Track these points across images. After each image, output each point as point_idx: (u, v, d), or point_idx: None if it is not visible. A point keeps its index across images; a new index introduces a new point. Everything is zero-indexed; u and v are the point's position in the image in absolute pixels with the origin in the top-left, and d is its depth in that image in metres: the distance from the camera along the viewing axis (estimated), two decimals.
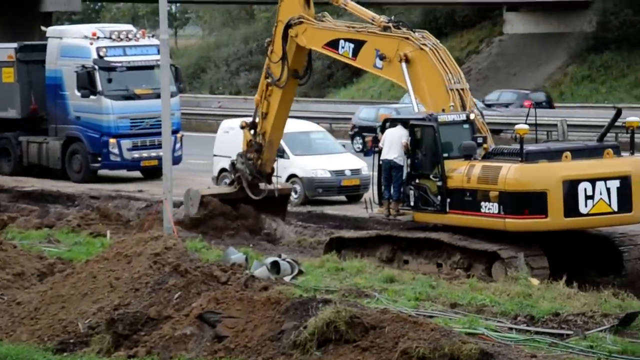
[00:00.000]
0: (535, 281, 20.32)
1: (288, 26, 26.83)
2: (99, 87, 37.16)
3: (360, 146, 42.04)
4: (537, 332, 15.73)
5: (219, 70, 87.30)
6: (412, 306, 17.38)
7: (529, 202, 21.86)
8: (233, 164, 28.09)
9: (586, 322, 16.10)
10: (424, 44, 24.48)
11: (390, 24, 25.18)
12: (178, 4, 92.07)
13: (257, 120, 27.80)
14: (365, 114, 46.78)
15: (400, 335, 13.53)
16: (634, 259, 22.57)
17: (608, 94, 61.37)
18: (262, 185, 27.71)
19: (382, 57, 25.06)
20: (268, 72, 27.61)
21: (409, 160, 24.12)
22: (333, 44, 26.14)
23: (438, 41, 25.12)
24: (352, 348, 13.53)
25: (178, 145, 37.28)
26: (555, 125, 43.69)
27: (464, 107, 23.97)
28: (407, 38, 24.72)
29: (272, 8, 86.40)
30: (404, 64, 24.50)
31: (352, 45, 25.71)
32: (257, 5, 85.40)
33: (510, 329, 16.02)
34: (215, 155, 34.17)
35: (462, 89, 24.26)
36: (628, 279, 21.96)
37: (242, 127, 28.26)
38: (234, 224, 27.29)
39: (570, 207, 21.79)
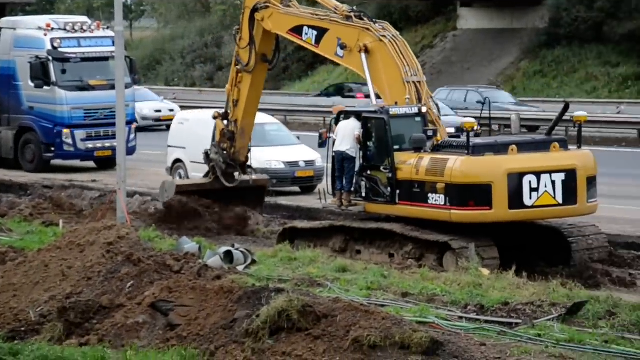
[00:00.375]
0: (485, 271, 20.42)
1: (255, 10, 26.85)
2: (53, 78, 36.97)
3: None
4: (486, 321, 15.82)
5: (174, 62, 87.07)
6: (364, 295, 17.42)
7: (474, 194, 21.95)
8: (207, 155, 28.05)
9: (535, 311, 16.20)
10: (384, 36, 24.56)
11: (352, 14, 25.25)
12: None
13: (229, 110, 27.84)
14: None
15: (352, 323, 13.55)
16: (582, 249, 22.74)
17: (559, 88, 61.70)
18: (237, 175, 27.75)
19: (342, 46, 25.13)
20: (237, 59, 27.69)
21: (361, 152, 24.23)
22: (297, 30, 26.18)
23: (398, 33, 25.19)
24: (304, 336, 13.55)
25: (132, 136, 37.21)
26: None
27: (419, 100, 24.03)
28: (368, 29, 24.78)
29: (227, 1, 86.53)
30: (363, 55, 24.58)
31: (315, 33, 25.77)
32: None
33: (461, 317, 16.11)
34: (169, 146, 34.07)
35: (419, 82, 24.32)
36: (576, 269, 22.11)
37: (215, 118, 28.30)
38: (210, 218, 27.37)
39: (515, 200, 21.90)
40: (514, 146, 22.53)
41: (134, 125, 37.76)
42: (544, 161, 22.35)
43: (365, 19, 25.24)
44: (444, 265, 22.08)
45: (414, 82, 24.22)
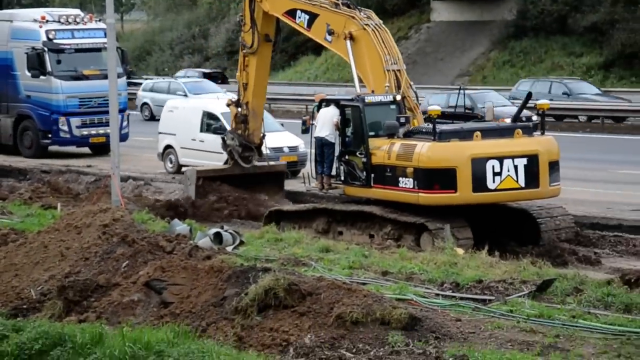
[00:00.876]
0: (460, 251, 20.48)
1: None
2: (49, 68, 36.92)
3: None
4: (461, 298, 15.83)
5: (163, 53, 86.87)
6: (346, 274, 17.43)
7: (439, 177, 22.00)
8: (224, 141, 28.00)
9: (506, 288, 16.21)
10: (367, 24, 24.57)
11: (340, 2, 25.29)
12: None
13: (240, 95, 27.85)
14: (434, 100, 42.32)
15: (335, 301, 13.57)
16: (550, 230, 22.83)
17: (527, 77, 61.74)
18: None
19: (330, 32, 25.23)
20: (242, 43, 27.86)
21: (339, 138, 24.28)
22: (291, 13, 26.27)
23: (381, 22, 25.21)
24: (290, 313, 13.56)
25: (125, 123, 37.13)
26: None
27: (399, 88, 24.07)
28: (353, 17, 24.81)
29: None
30: (348, 42, 24.66)
31: (307, 17, 25.84)
32: None
33: (437, 294, 16.12)
34: (160, 133, 34.05)
35: (399, 70, 24.36)
36: (545, 248, 22.20)
37: (228, 105, 28.42)
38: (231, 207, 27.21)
39: (479, 183, 21.93)
40: (478, 132, 22.59)
41: (126, 113, 37.67)
42: (507, 147, 22.37)
43: (351, 7, 25.30)
44: (421, 245, 22.13)
45: (394, 70, 24.27)
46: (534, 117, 40.65)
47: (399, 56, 24.75)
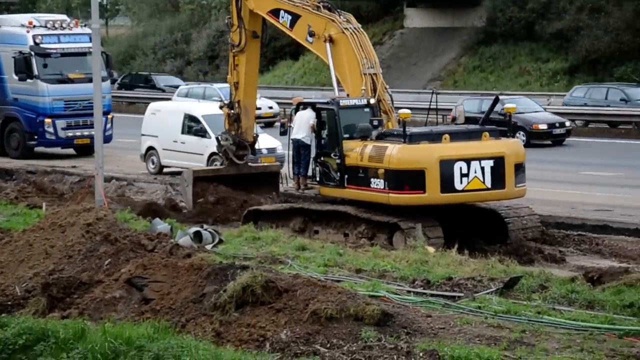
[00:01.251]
0: (431, 249, 20.48)
1: None
2: (35, 72, 36.93)
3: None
4: (432, 295, 15.82)
5: (146, 57, 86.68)
6: (321, 272, 17.39)
7: (409, 179, 22.00)
8: (218, 141, 27.80)
9: (475, 286, 16.23)
10: (346, 28, 24.56)
11: (321, 4, 25.28)
12: None
13: (231, 94, 27.67)
14: (467, 105, 40.99)
15: (310, 297, 13.55)
16: (517, 229, 22.86)
17: (496, 82, 61.92)
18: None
19: (311, 34, 25.20)
20: (231, 43, 27.70)
21: (315, 140, 24.27)
22: (275, 13, 26.25)
23: (360, 26, 25.18)
24: (267, 309, 13.53)
25: (109, 126, 37.04)
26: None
27: (374, 91, 24.08)
28: (333, 20, 24.78)
29: (195, 1, 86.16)
30: (328, 44, 24.63)
31: (290, 17, 25.80)
32: None
33: (409, 291, 16.11)
34: (142, 135, 34.00)
35: (375, 74, 24.36)
36: (512, 247, 22.23)
37: (221, 107, 28.19)
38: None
39: (447, 184, 21.94)
40: (447, 135, 22.59)
41: (110, 116, 37.57)
42: (474, 149, 22.39)
43: (332, 10, 25.27)
44: (393, 243, 22.14)
45: (370, 74, 24.26)
46: (567, 123, 40.50)
47: (376, 60, 24.75)
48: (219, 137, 27.87)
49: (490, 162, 22.25)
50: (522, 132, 39.01)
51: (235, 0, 27.20)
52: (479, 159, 22.20)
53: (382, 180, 22.30)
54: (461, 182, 22.08)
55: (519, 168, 22.70)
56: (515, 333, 13.35)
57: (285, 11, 25.89)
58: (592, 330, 13.43)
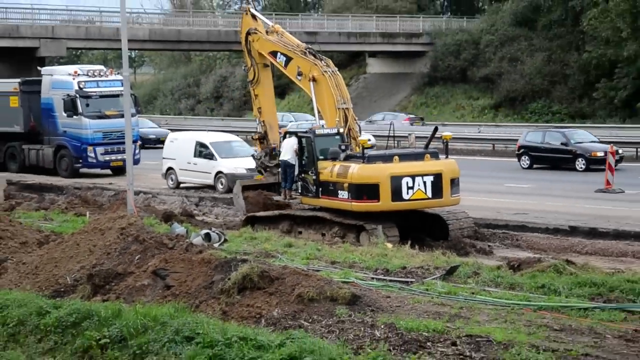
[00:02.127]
0: (389, 245, 20.50)
1: (248, 33, 27.05)
2: (80, 110, 36.85)
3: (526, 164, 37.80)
4: (390, 280, 15.83)
5: (166, 98, 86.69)
6: (304, 263, 17.40)
7: (367, 191, 22.04)
8: (255, 159, 27.32)
9: (424, 273, 16.25)
10: (326, 71, 24.61)
11: (307, 51, 25.35)
12: (136, 50, 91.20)
13: (262, 132, 27.25)
14: (531, 136, 39.13)
15: (296, 283, 13.52)
16: (456, 229, 22.92)
17: (438, 115, 62.21)
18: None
19: (299, 73, 25.20)
20: (249, 81, 27.70)
21: (298, 161, 24.30)
22: (274, 54, 26.24)
23: (337, 69, 25.24)
24: (262, 293, 13.49)
25: (137, 151, 36.99)
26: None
27: (346, 122, 24.17)
28: (316, 64, 24.82)
29: (203, 54, 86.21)
30: (311, 83, 24.66)
31: (284, 58, 25.85)
32: (193, 52, 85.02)
33: (372, 278, 16.12)
34: (164, 158, 33.95)
35: (347, 109, 24.43)
36: (452, 242, 22.28)
37: (253, 139, 27.93)
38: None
39: (396, 195, 21.98)
40: (397, 157, 22.66)
41: (138, 143, 37.52)
42: (418, 167, 22.42)
43: (315, 55, 25.33)
44: (360, 241, 22.14)
45: (343, 108, 24.33)
46: (620, 151, 36.51)
47: (348, 97, 24.84)
48: (254, 156, 27.60)
49: (431, 178, 22.31)
50: (581, 159, 36.61)
51: (245, 44, 27.27)
52: (422, 175, 22.25)
53: (346, 192, 22.35)
54: (408, 193, 22.11)
55: (454, 182, 22.75)
56: (455, 309, 13.35)
57: (281, 53, 25.99)
58: (513, 306, 13.45)
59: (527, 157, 38.36)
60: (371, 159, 22.48)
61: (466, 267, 16.48)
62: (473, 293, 14.50)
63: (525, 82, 61.91)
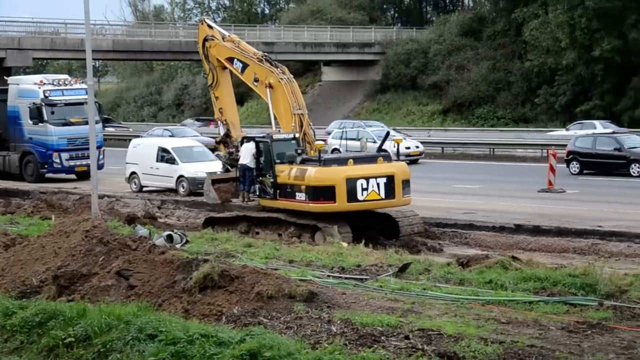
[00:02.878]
0: (344, 244, 20.47)
1: (205, 40, 26.85)
2: (45, 117, 36.35)
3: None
4: (346, 278, 15.78)
5: (129, 105, 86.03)
6: (263, 262, 17.28)
7: (323, 192, 21.99)
8: (220, 158, 26.95)
9: (378, 270, 16.24)
10: (282, 78, 24.52)
11: (263, 58, 25.23)
12: (100, 60, 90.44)
13: (220, 116, 26.91)
14: (580, 142, 36.02)
15: (255, 282, 13.43)
16: (405, 225, 22.95)
17: (390, 120, 62.40)
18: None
19: (256, 80, 25.09)
20: (209, 85, 27.38)
21: (256, 165, 24.18)
22: (230, 60, 26.11)
23: (292, 76, 25.16)
24: (223, 292, 13.38)
25: (101, 157, 36.52)
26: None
27: (301, 127, 24.12)
28: (272, 71, 24.71)
29: (166, 63, 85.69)
30: (268, 90, 24.56)
31: (241, 65, 25.74)
32: (155, 62, 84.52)
33: (329, 275, 16.07)
34: (127, 163, 33.60)
35: (302, 114, 24.39)
36: (404, 241, 22.31)
37: (218, 143, 27.52)
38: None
39: (351, 196, 21.97)
40: (351, 160, 22.67)
41: (102, 149, 37.12)
42: (371, 170, 22.44)
43: (272, 63, 25.22)
44: (315, 240, 22.09)
45: (298, 114, 24.26)
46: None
47: (303, 104, 24.78)
48: (219, 156, 27.22)
49: (384, 179, 22.35)
50: (637, 164, 33.80)
51: (203, 50, 27.09)
52: (375, 177, 22.27)
53: (304, 194, 22.28)
54: (362, 194, 22.12)
55: (405, 183, 22.81)
56: (407, 304, 13.35)
57: (238, 60, 25.86)
58: (462, 301, 13.48)
59: (576, 163, 35.37)
60: (327, 162, 22.46)
61: (418, 265, 16.48)
62: (424, 289, 14.48)
63: (472, 89, 62.41)
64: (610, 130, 44.26)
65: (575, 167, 35.41)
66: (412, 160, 41.08)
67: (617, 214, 24.36)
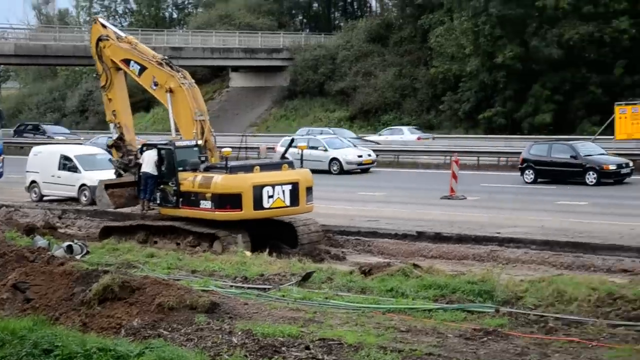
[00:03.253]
0: (248, 253, 20.39)
1: (99, 40, 26.14)
2: None
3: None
4: (249, 287, 15.75)
5: (32, 111, 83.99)
6: (165, 273, 17.11)
7: (230, 200, 21.90)
8: (116, 163, 26.25)
9: (281, 279, 16.23)
10: (183, 83, 24.22)
11: (163, 62, 24.80)
12: (2, 65, 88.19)
13: (113, 119, 26.21)
14: (535, 150, 35.30)
15: (157, 293, 13.27)
16: (304, 234, 22.97)
17: (298, 127, 62.56)
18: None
19: (155, 84, 24.66)
20: (102, 87, 26.61)
21: (158, 172, 23.89)
22: (127, 62, 25.51)
23: (194, 81, 24.85)
24: (123, 303, 13.18)
25: (1, 164, 35.64)
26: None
27: (202, 134, 23.91)
28: (172, 75, 24.38)
29: (70, 68, 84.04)
30: (168, 94, 24.19)
31: (138, 67, 25.15)
32: (59, 66, 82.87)
33: (231, 285, 16.02)
34: (27, 171, 32.83)
35: (203, 120, 24.16)
36: (307, 249, 22.30)
37: (110, 146, 26.77)
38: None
39: (258, 203, 21.95)
40: (257, 167, 22.66)
41: (1, 157, 36.13)
42: (277, 177, 22.46)
43: (172, 67, 24.81)
44: (214, 248, 21.97)
45: (200, 120, 24.04)
46: (630, 164, 34.73)
47: (205, 110, 24.54)
48: (111, 160, 26.68)
49: (289, 187, 22.40)
50: (592, 172, 33.28)
51: (96, 49, 26.52)
52: (281, 184, 22.30)
53: (209, 202, 22.15)
54: (268, 202, 22.13)
55: (309, 190, 22.92)
56: (310, 314, 13.38)
57: (135, 62, 25.35)
58: (364, 309, 13.58)
59: (531, 171, 34.72)
60: (234, 170, 22.38)
61: (321, 273, 16.51)
62: (327, 298, 14.53)
63: (378, 95, 63.08)
64: (416, 137, 48.86)
65: (529, 175, 34.73)
66: (364, 169, 41.24)
67: (517, 220, 24.89)
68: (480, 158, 44.01)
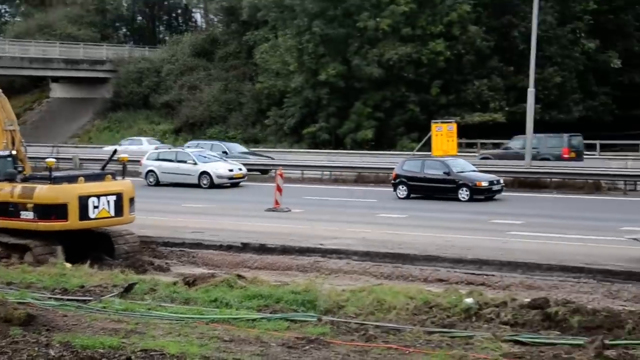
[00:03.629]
0: (68, 265, 19.79)
1: None
2: None
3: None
4: (68, 299, 15.25)
5: None
6: None
7: (55, 210, 21.33)
8: None
9: (102, 291, 15.85)
10: None
11: None
12: None
13: None
14: (408, 166, 34.99)
15: None
16: (121, 244, 22.58)
17: (121, 138, 61.48)
18: None
19: None
20: None
21: None
22: None
23: (1, 90, 23.96)
24: None
25: None
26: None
27: (13, 144, 23.16)
28: None
29: None
30: None
31: None
32: None
33: (50, 297, 15.47)
34: None
35: (14, 130, 23.40)
36: (131, 260, 21.98)
37: None
38: None
39: (83, 214, 21.51)
40: (82, 177, 22.17)
41: None
42: (102, 188, 22.08)
43: None
44: (25, 260, 21.19)
45: (10, 130, 23.31)
46: (501, 180, 34.61)
47: (15, 119, 23.81)
48: None
49: (114, 197, 22.06)
50: (465, 189, 33.28)
51: None
52: (106, 195, 21.92)
53: (31, 212, 21.41)
54: (94, 212, 21.68)
55: (132, 201, 22.63)
56: (131, 325, 13.11)
57: None
58: (187, 320, 13.43)
59: (404, 187, 34.53)
60: (58, 180, 21.79)
61: (143, 284, 16.21)
62: (149, 309, 14.27)
63: (204, 109, 63.00)
64: (154, 147, 48.72)
65: (402, 190, 34.47)
66: (234, 183, 40.28)
67: (339, 232, 25.42)
68: (304, 172, 44.62)
